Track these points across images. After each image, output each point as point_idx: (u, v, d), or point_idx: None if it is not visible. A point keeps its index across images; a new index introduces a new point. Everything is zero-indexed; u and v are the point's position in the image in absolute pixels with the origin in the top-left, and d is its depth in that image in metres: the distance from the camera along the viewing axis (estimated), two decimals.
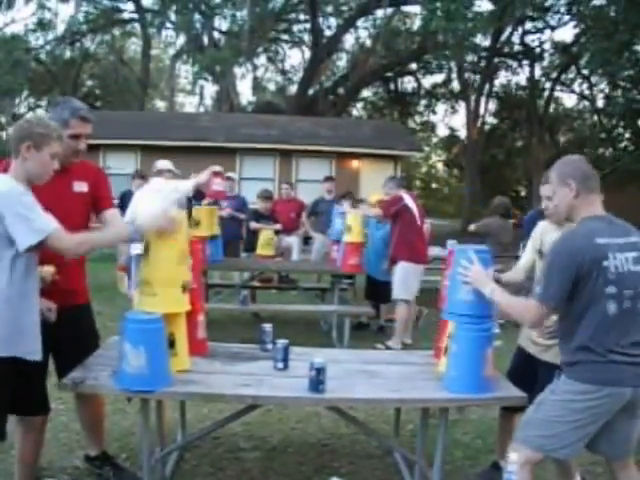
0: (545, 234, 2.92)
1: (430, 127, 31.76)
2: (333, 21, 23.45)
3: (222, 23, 23.10)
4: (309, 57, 24.19)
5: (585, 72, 21.79)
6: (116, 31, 26.51)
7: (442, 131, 42.48)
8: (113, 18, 24.41)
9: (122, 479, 3.00)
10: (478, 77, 24.21)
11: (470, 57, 21.89)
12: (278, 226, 7.43)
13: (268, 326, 3.09)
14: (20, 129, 2.32)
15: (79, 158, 2.75)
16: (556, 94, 25.65)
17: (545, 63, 23.17)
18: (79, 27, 23.19)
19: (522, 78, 25.38)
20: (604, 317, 2.20)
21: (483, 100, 24.81)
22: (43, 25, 22.51)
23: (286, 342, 2.75)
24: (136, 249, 3.24)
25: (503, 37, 22.11)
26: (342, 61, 28.07)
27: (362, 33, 25.51)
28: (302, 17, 24.49)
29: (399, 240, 5.82)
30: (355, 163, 16.39)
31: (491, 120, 28.06)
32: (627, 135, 22.65)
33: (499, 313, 2.56)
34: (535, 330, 2.79)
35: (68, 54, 24.51)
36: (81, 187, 2.76)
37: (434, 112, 29.75)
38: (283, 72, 28.61)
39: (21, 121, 2.40)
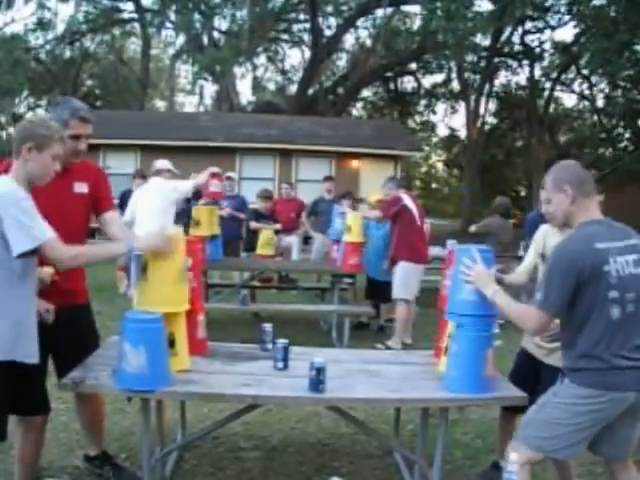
0: (547, 237, 2.91)
1: (430, 127, 31.77)
2: (333, 21, 23.53)
3: (222, 23, 23.17)
4: (309, 57, 24.21)
5: (585, 72, 21.79)
6: (116, 31, 26.54)
7: (442, 131, 42.59)
8: (113, 18, 24.43)
9: (122, 479, 3.00)
10: (478, 77, 24.21)
11: (470, 57, 21.90)
12: (278, 226, 7.43)
13: (268, 326, 3.09)
14: (22, 130, 2.31)
15: (79, 158, 2.74)
16: (556, 94, 25.72)
17: (545, 63, 23.21)
18: (79, 27, 23.22)
19: (522, 78, 25.46)
20: (608, 322, 2.18)
21: (483, 100, 24.84)
22: (43, 25, 22.53)
23: (286, 342, 2.74)
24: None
25: (503, 37, 22.13)
26: (342, 61, 28.16)
27: (362, 33, 25.56)
28: (302, 17, 24.52)
29: (399, 240, 5.83)
30: (355, 163, 16.40)
31: (491, 120, 28.11)
32: (627, 135, 22.64)
33: (500, 313, 2.55)
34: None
35: (68, 54, 24.55)
36: (81, 188, 2.76)
37: (434, 112, 29.83)
38: (283, 72, 28.65)
39: (23, 122, 2.39)
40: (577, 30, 20.08)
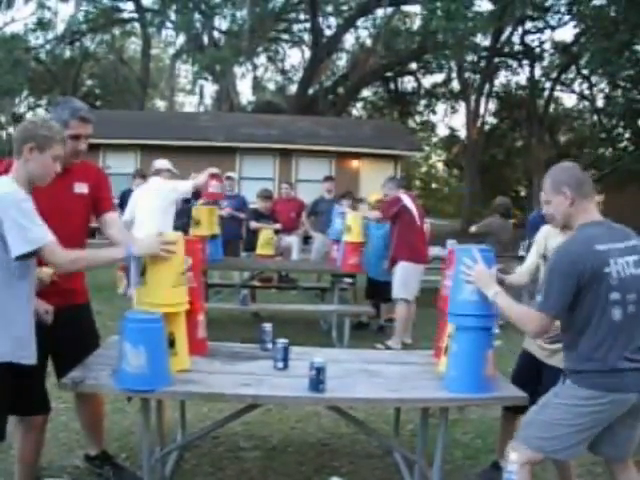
0: (549, 238, 2.91)
1: (430, 127, 31.77)
2: (333, 21, 23.53)
3: (222, 23, 23.18)
4: (309, 57, 24.20)
5: (585, 72, 21.79)
6: (116, 30, 26.53)
7: (442, 131, 42.52)
8: (113, 17, 24.42)
9: (122, 479, 3.00)
10: (478, 77, 24.22)
11: (470, 57, 21.92)
12: (278, 226, 7.43)
13: (268, 326, 3.09)
14: (23, 130, 2.31)
15: (79, 159, 2.74)
16: (556, 94, 25.70)
17: (545, 63, 23.20)
18: (79, 26, 23.21)
19: (522, 78, 25.44)
20: (610, 324, 2.18)
21: (483, 100, 24.83)
22: (43, 24, 22.53)
23: (286, 342, 2.74)
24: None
25: (503, 37, 22.13)
26: (342, 61, 28.15)
27: (362, 33, 25.54)
28: (302, 17, 24.52)
29: (399, 240, 5.83)
30: (355, 163, 16.40)
31: (491, 120, 28.11)
32: (627, 135, 22.65)
33: (500, 314, 2.55)
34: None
35: (68, 53, 24.55)
36: (82, 188, 2.75)
37: (434, 112, 29.82)
38: (283, 72, 28.65)
39: (25, 122, 2.39)
40: (577, 30, 20.11)
